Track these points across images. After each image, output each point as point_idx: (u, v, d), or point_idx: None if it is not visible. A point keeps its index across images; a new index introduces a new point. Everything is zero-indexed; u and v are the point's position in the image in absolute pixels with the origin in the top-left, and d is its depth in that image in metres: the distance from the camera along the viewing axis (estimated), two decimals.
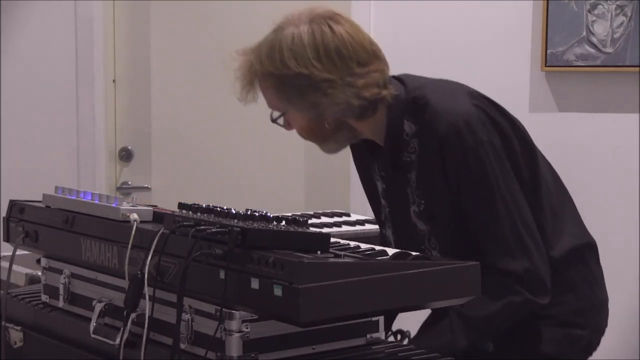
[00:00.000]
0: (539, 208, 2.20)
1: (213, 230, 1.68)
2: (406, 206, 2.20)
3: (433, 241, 2.19)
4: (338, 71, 2.09)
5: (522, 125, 2.23)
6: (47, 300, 2.19)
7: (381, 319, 1.90)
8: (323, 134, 2.20)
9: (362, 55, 2.12)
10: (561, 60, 3.60)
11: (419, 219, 2.19)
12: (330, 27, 2.11)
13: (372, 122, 2.19)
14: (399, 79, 2.22)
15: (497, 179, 2.10)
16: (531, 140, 2.23)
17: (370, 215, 3.01)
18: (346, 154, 3.99)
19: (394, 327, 2.36)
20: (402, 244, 2.24)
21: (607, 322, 2.32)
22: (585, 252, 2.29)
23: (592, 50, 3.57)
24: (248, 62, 2.17)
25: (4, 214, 2.27)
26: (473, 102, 2.15)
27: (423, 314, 2.35)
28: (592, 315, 2.27)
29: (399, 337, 2.32)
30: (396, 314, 2.44)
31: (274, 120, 2.22)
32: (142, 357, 1.79)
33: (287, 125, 2.23)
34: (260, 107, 4.43)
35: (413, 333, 2.33)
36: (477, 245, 2.12)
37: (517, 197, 2.12)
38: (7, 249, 2.32)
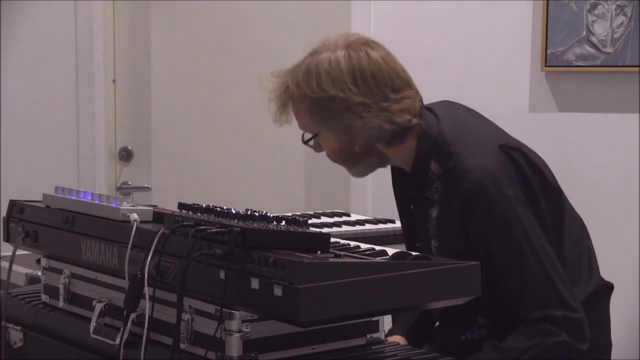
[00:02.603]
0: (562, 259, 2.19)
1: (213, 230, 1.68)
2: (428, 238, 2.20)
3: None
4: (373, 96, 2.13)
5: (552, 175, 2.22)
6: (47, 300, 2.19)
7: (381, 319, 1.90)
8: (353, 157, 2.23)
9: (396, 81, 2.16)
10: (561, 60, 3.60)
11: (437, 253, 2.19)
12: (366, 52, 2.15)
13: (401, 150, 2.20)
14: (433, 112, 2.22)
15: (526, 231, 2.09)
16: (559, 190, 2.23)
17: (370, 215, 3.01)
18: None
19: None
20: None
21: None
22: (597, 296, 2.27)
23: (592, 50, 3.57)
24: (284, 84, 2.19)
25: (4, 214, 2.27)
26: (502, 157, 2.14)
27: None
28: (593, 355, 2.26)
29: None
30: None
31: (305, 142, 2.25)
32: (142, 357, 1.79)
33: (318, 147, 2.26)
34: (259, 108, 4.44)
35: None
36: (508, 300, 2.11)
37: (545, 247, 2.11)
38: (7, 249, 2.32)
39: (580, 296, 2.21)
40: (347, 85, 2.11)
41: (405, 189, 2.30)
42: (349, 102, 2.11)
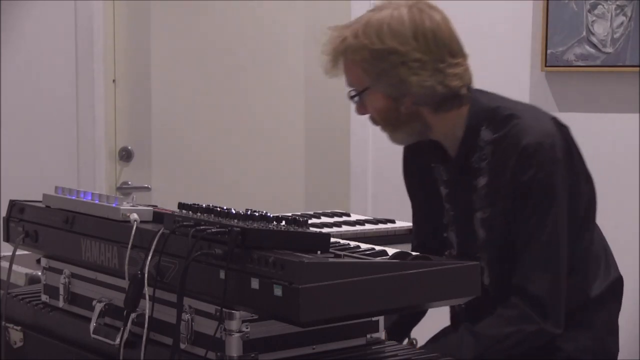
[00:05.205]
0: (589, 246, 2.22)
1: (213, 230, 1.68)
2: (471, 212, 2.20)
3: (483, 253, 2.19)
4: (431, 54, 2.13)
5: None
6: (47, 300, 2.19)
7: (381, 319, 1.90)
8: (397, 120, 2.20)
9: (454, 46, 2.17)
10: (561, 60, 3.60)
11: (481, 226, 2.19)
12: (429, 13, 2.16)
13: (445, 120, 2.20)
14: (477, 89, 2.25)
15: (559, 200, 2.12)
16: (593, 181, 2.26)
17: (370, 215, 3.00)
18: (346, 154, 4.00)
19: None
20: (464, 248, 2.25)
21: None
22: (612, 293, 2.30)
23: (592, 50, 3.57)
24: (340, 36, 2.18)
25: (4, 214, 2.27)
26: (556, 128, 2.19)
27: (433, 320, 2.36)
28: (599, 358, 2.27)
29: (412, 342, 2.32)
30: (417, 322, 2.44)
31: (351, 97, 2.22)
32: (142, 357, 1.79)
33: (361, 108, 2.23)
34: (259, 108, 4.43)
35: (413, 333, 2.34)
36: (509, 259, 2.13)
37: (564, 224, 2.13)
38: (7, 249, 2.32)
39: (595, 291, 2.22)
40: (407, 40, 2.12)
41: (432, 173, 2.30)
42: (407, 56, 2.11)
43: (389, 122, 2.21)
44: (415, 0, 2.18)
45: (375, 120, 2.23)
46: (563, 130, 2.20)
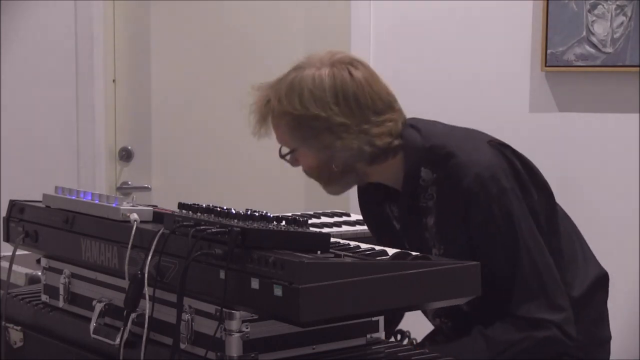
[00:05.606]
0: (558, 252, 2.20)
1: (213, 230, 1.68)
2: (427, 248, 2.19)
3: None
4: (354, 117, 2.13)
5: (539, 171, 2.23)
6: (47, 300, 2.19)
7: (381, 319, 1.90)
8: (330, 176, 2.22)
9: (379, 104, 2.16)
10: (561, 60, 3.60)
11: None
12: (350, 72, 2.14)
13: (384, 168, 2.20)
14: (415, 126, 2.22)
15: (521, 225, 2.11)
16: (547, 184, 2.24)
17: None
18: None
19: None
20: None
21: (608, 358, 2.32)
22: (595, 289, 2.28)
23: (592, 50, 3.57)
24: (265, 97, 2.19)
25: (4, 214, 2.27)
26: (493, 151, 2.16)
27: (422, 315, 2.36)
28: (593, 350, 2.26)
29: (399, 337, 2.32)
30: (399, 320, 2.44)
31: (282, 156, 2.25)
32: (142, 357, 1.79)
33: (295, 162, 2.25)
34: None
35: (413, 333, 2.34)
36: (499, 294, 2.11)
37: (539, 243, 2.13)
38: (7, 249, 2.32)
39: (578, 290, 2.21)
40: (329, 105, 2.12)
41: (383, 210, 2.30)
42: (330, 122, 2.12)
43: (321, 178, 2.24)
44: (340, 55, 2.17)
45: (308, 174, 2.25)
46: (502, 150, 2.18)
